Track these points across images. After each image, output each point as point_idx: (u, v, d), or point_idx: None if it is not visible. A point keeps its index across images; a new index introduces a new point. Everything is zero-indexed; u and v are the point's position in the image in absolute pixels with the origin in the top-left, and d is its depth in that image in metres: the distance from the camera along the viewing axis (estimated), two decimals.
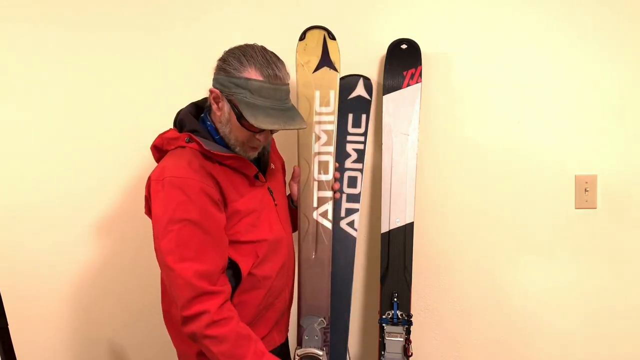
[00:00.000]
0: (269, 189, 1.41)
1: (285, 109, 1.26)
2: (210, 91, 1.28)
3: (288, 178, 1.63)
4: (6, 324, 1.34)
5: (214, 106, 1.29)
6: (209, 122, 1.33)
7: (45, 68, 1.87)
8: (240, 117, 1.23)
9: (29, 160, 1.89)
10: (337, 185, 1.58)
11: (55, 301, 1.91)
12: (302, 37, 1.57)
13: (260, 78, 1.22)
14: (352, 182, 1.76)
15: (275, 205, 1.41)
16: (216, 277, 1.21)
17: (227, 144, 1.31)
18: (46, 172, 1.88)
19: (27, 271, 1.90)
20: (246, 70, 1.22)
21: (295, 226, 1.58)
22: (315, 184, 1.55)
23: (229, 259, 1.28)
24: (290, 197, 1.60)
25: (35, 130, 1.88)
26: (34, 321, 1.90)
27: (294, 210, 1.59)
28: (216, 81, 1.27)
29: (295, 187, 1.57)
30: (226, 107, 1.26)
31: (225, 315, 1.20)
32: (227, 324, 1.19)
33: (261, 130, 1.26)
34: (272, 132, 1.33)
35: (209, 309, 1.17)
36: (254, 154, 1.35)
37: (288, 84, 1.28)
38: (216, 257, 1.22)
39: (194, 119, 1.33)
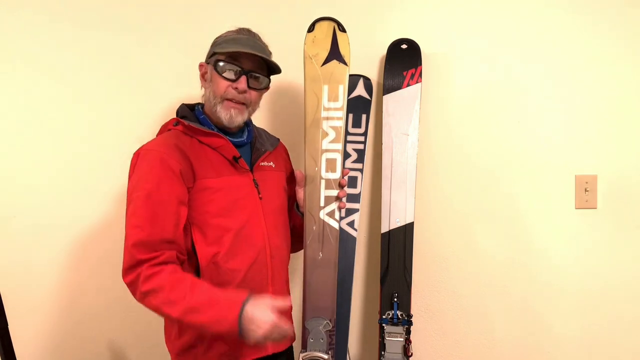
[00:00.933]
0: (254, 180, 1.39)
1: (259, 51, 1.34)
2: (199, 67, 1.41)
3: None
4: (6, 324, 1.34)
5: (201, 81, 1.41)
6: (197, 108, 1.43)
7: (47, 71, 1.87)
8: (215, 64, 1.33)
9: (28, 159, 1.88)
10: (343, 193, 1.50)
11: (55, 301, 1.90)
12: (311, 29, 1.51)
13: (235, 34, 1.38)
14: (352, 182, 1.76)
15: (260, 198, 1.39)
16: (158, 247, 1.21)
17: (211, 120, 1.38)
18: (45, 171, 1.88)
19: (27, 271, 1.90)
20: (226, 33, 1.39)
21: (296, 233, 1.53)
22: (323, 182, 1.48)
23: (192, 245, 1.28)
24: (296, 203, 1.55)
25: (34, 130, 1.88)
26: (34, 321, 1.90)
27: (299, 217, 1.53)
28: (206, 57, 1.41)
29: (300, 192, 1.51)
30: (209, 69, 1.37)
31: (155, 270, 1.19)
32: (157, 275, 1.19)
33: (237, 79, 1.32)
34: (250, 85, 1.34)
35: (140, 272, 1.19)
36: (237, 117, 1.35)
37: (263, 42, 1.40)
38: (162, 226, 1.22)
39: (186, 107, 1.43)
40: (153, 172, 1.25)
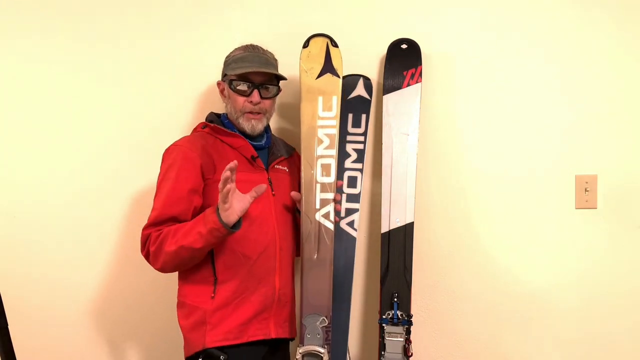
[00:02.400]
0: (269, 178, 1.54)
1: (264, 67, 1.50)
2: (217, 85, 1.60)
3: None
4: (6, 324, 1.34)
5: (221, 97, 1.59)
6: (223, 114, 1.61)
7: (48, 71, 1.87)
8: (230, 83, 1.51)
9: (33, 160, 1.89)
10: (338, 207, 1.62)
11: (55, 301, 1.91)
12: (306, 45, 1.63)
13: (242, 51, 1.54)
14: (352, 182, 1.76)
15: (273, 195, 1.54)
16: (165, 222, 1.40)
17: (233, 126, 1.55)
18: (50, 172, 1.89)
19: (28, 271, 1.90)
20: (234, 52, 1.56)
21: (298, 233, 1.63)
22: (318, 186, 1.59)
23: None
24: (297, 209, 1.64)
25: (42, 131, 1.89)
26: (34, 321, 1.90)
27: (297, 217, 1.64)
28: (221, 76, 1.59)
29: (299, 206, 1.61)
30: (225, 87, 1.55)
31: (158, 233, 1.38)
32: (160, 234, 1.38)
33: (250, 93, 1.49)
34: (263, 96, 1.51)
35: (149, 242, 1.40)
36: (257, 125, 1.52)
37: (268, 56, 1.55)
38: (173, 207, 1.40)
39: (214, 114, 1.61)
40: (176, 164, 1.44)
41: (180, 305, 1.50)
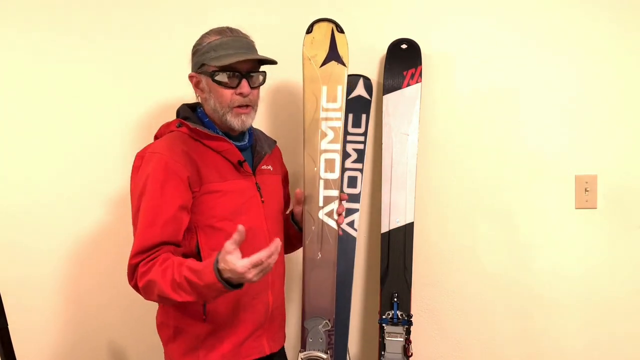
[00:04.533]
0: (257, 184, 1.40)
1: (249, 52, 1.33)
2: (189, 78, 1.38)
3: (292, 190, 1.59)
4: (6, 324, 1.34)
5: (196, 91, 1.38)
6: (200, 109, 1.41)
7: (45, 70, 1.87)
8: (212, 75, 1.30)
9: (31, 159, 1.88)
10: (341, 220, 1.51)
11: (55, 301, 1.90)
12: (309, 30, 1.51)
13: (218, 37, 1.32)
14: (352, 182, 1.76)
15: (262, 202, 1.39)
16: (153, 249, 1.22)
17: (215, 124, 1.37)
18: (45, 171, 1.88)
19: (28, 271, 1.89)
20: (207, 38, 1.34)
21: (290, 243, 1.55)
22: (322, 182, 1.49)
23: (197, 248, 1.29)
24: (293, 219, 1.55)
25: (37, 129, 1.88)
26: (34, 321, 1.90)
27: (294, 228, 1.54)
28: (192, 67, 1.38)
29: (298, 208, 1.51)
30: (203, 79, 1.34)
31: (148, 266, 1.21)
32: (149, 270, 1.20)
33: (238, 84, 1.31)
34: (252, 86, 1.33)
35: (137, 273, 1.23)
36: (247, 120, 1.35)
37: (248, 37, 1.36)
38: (161, 231, 1.23)
39: (188, 108, 1.41)
40: (157, 177, 1.24)
41: (163, 326, 1.36)
